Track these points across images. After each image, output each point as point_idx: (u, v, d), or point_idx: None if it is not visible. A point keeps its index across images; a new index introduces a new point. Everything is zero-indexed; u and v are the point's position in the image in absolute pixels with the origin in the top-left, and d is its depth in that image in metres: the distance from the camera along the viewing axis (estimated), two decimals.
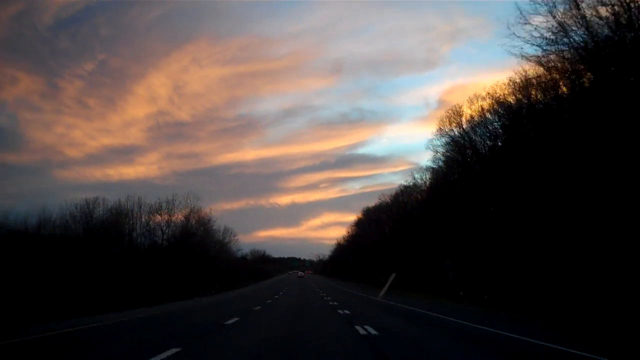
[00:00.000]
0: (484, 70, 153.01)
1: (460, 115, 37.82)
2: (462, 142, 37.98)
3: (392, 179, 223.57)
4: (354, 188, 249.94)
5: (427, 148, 45.83)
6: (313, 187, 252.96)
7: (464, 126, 37.33)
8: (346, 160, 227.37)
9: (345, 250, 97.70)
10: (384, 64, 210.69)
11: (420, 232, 43.85)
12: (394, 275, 40.44)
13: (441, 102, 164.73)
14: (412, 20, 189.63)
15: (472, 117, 36.07)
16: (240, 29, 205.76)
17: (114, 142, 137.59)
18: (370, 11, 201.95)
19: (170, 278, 43.74)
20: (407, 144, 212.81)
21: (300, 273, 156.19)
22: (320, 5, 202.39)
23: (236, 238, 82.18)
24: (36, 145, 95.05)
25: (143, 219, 53.53)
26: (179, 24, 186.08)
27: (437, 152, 42.04)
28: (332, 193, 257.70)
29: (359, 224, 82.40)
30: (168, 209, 57.98)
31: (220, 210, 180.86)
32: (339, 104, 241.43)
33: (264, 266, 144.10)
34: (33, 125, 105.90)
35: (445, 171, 41.00)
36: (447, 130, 39.26)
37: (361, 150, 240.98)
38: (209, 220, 67.83)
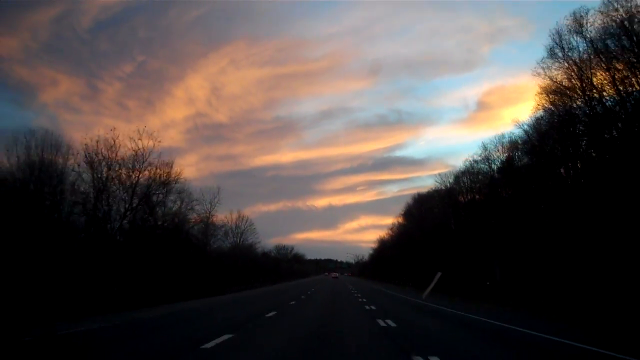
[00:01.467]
0: (525, 71, 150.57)
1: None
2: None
3: (430, 182, 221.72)
4: (392, 191, 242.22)
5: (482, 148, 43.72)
6: (350, 189, 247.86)
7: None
8: (384, 163, 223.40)
9: (388, 250, 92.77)
10: (423, 65, 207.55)
11: (469, 232, 42.75)
12: (439, 274, 39.02)
13: (480, 104, 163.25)
14: (451, 20, 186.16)
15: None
16: (277, 30, 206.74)
17: (152, 143, 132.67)
18: (408, 12, 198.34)
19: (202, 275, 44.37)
20: (445, 147, 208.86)
21: (334, 274, 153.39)
22: (357, 6, 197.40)
23: (253, 227, 78.93)
24: (76, 146, 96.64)
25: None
26: (216, 26, 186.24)
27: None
28: (370, 196, 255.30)
29: (406, 213, 76.99)
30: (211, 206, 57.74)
31: (258, 212, 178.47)
32: (376, 105, 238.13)
33: (295, 265, 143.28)
34: (73, 127, 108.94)
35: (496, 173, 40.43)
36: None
37: (399, 153, 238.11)
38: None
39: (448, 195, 51.04)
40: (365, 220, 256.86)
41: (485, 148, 42.29)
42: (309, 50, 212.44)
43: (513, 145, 38.61)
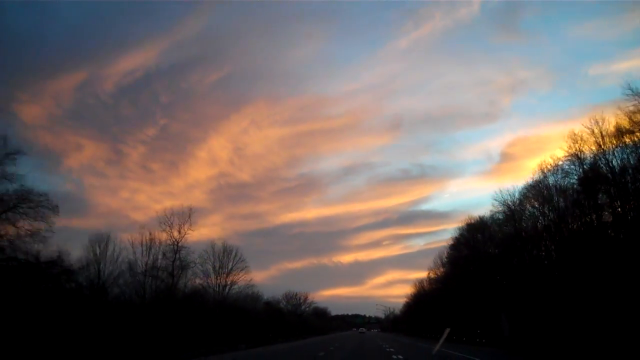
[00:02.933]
0: (546, 122, 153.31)
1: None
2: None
3: (456, 233, 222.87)
4: (418, 244, 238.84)
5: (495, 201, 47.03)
6: (376, 244, 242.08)
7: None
8: (409, 217, 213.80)
9: (417, 305, 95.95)
10: (444, 119, 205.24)
11: (475, 286, 46.98)
12: (447, 330, 43.43)
13: (503, 155, 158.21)
14: (469, 73, 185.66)
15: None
16: (297, 89, 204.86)
17: (177, 204, 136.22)
18: (427, 67, 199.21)
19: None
20: (470, 198, 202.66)
21: (361, 329, 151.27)
22: (376, 63, 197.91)
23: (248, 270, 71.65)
24: (102, 210, 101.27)
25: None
26: (236, 87, 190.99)
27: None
28: (396, 250, 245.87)
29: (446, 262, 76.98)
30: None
31: (285, 269, 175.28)
32: (399, 160, 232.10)
33: (318, 321, 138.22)
34: (98, 191, 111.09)
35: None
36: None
37: (424, 206, 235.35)
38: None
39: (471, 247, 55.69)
40: (392, 275, 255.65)
41: (503, 201, 46.32)
42: (329, 107, 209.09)
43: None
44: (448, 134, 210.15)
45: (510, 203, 44.89)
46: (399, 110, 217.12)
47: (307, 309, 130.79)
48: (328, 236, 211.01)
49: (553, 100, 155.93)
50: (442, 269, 73.37)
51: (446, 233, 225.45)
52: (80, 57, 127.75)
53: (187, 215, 48.99)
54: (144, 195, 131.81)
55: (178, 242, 47.48)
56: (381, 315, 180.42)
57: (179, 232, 47.97)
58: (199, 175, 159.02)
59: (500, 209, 46.19)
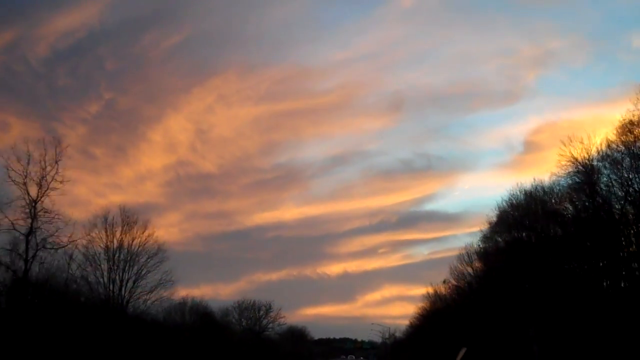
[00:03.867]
0: (580, 103, 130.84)
1: None
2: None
3: (467, 240, 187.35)
4: (421, 253, 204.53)
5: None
6: (370, 252, 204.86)
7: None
8: (410, 219, 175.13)
9: (427, 323, 74.52)
10: (454, 98, 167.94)
11: (495, 297, 38.50)
12: (464, 351, 34.82)
13: (527, 145, 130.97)
14: (487, 41, 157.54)
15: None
16: (275, 57, 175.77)
17: (125, 199, 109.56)
18: (435, 32, 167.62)
19: None
20: (485, 197, 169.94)
21: (351, 357, 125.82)
22: (373, 26, 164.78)
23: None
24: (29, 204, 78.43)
25: None
26: (200, 54, 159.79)
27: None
28: (394, 260, 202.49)
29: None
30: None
31: (257, 282, 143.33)
32: (399, 149, 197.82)
33: (292, 346, 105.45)
34: (27, 179, 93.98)
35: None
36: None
37: (428, 207, 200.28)
38: None
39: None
40: (389, 291, 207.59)
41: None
42: (314, 81, 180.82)
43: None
44: (460, 117, 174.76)
45: (585, 163, 33.00)
46: (400, 87, 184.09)
47: (273, 326, 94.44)
48: (312, 242, 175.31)
49: (589, 76, 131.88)
50: (458, 281, 58.83)
51: (455, 240, 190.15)
52: (6, 13, 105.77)
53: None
54: (83, 188, 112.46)
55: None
56: (377, 339, 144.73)
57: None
58: (153, 163, 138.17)
59: (571, 170, 33.57)
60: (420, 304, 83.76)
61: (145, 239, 45.12)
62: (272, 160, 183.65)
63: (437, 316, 65.27)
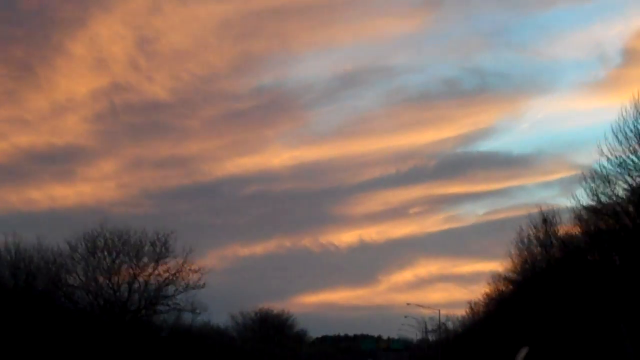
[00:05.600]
0: None
1: None
2: None
3: (543, 194, 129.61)
4: (474, 214, 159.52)
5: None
6: (398, 213, 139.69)
7: None
8: (456, 165, 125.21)
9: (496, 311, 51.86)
10: None
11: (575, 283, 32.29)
12: (525, 351, 29.34)
13: (627, 54, 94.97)
14: None
15: None
16: None
17: (36, 141, 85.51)
18: None
19: None
20: (567, 131, 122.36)
21: None
22: None
23: None
24: None
25: None
26: None
27: None
28: (432, 224, 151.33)
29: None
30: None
31: (233, 258, 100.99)
32: (439, 63, 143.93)
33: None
34: None
35: None
36: None
37: (483, 146, 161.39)
38: None
39: None
40: (426, 268, 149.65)
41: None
42: None
43: None
44: (528, 15, 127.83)
45: None
46: None
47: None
48: (311, 199, 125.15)
49: None
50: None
51: (523, 193, 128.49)
52: None
53: None
54: None
55: None
56: (411, 335, 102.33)
57: None
58: (75, 88, 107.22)
59: None
60: (485, 287, 57.65)
61: None
62: (251, 82, 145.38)
63: (509, 302, 45.76)
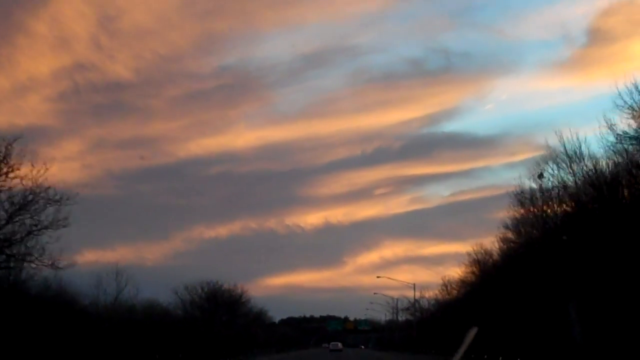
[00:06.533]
0: None
1: None
2: None
3: (508, 175, 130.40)
4: (439, 195, 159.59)
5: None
6: (363, 194, 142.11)
7: None
8: (421, 146, 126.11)
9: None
10: None
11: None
12: (474, 331, 27.53)
13: (593, 34, 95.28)
14: None
15: None
16: None
17: None
18: None
19: None
20: (532, 112, 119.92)
21: (335, 344, 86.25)
22: None
23: None
24: None
25: None
26: None
27: None
28: (397, 205, 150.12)
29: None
30: None
31: (198, 240, 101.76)
32: (405, 42, 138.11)
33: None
34: None
35: None
36: None
37: (448, 127, 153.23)
38: None
39: None
40: (392, 249, 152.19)
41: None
42: None
43: None
44: None
45: None
46: None
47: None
48: (276, 180, 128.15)
49: None
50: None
51: (489, 174, 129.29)
52: None
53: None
54: None
55: None
56: (380, 316, 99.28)
57: None
58: (37, 67, 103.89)
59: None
60: (461, 267, 54.33)
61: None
62: (215, 61, 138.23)
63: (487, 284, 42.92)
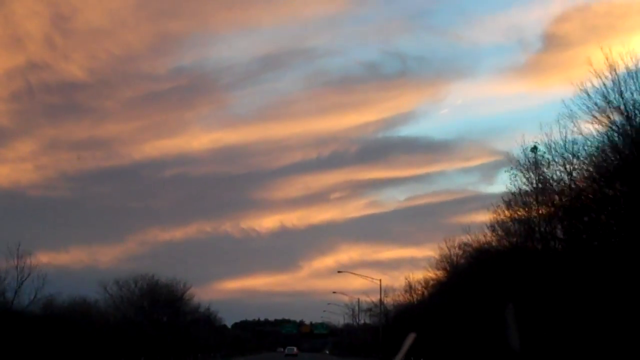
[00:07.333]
0: None
1: None
2: None
3: (463, 181, 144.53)
4: (394, 199, 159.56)
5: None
6: (318, 198, 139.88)
7: None
8: (377, 150, 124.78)
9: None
10: None
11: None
12: (412, 336, 26.18)
13: (548, 39, 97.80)
14: None
15: None
16: None
17: None
18: None
19: None
20: (487, 117, 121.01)
21: (290, 349, 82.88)
22: None
23: None
24: None
25: None
26: None
27: None
28: (354, 209, 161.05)
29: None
30: None
31: (152, 243, 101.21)
32: (361, 45, 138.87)
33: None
34: None
35: None
36: None
37: (404, 131, 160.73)
38: None
39: None
40: (348, 254, 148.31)
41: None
42: None
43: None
44: None
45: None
46: None
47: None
48: (232, 183, 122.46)
49: None
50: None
51: (444, 179, 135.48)
52: None
53: None
54: None
55: None
56: (337, 319, 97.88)
57: None
58: None
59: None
60: (424, 271, 52.51)
61: None
62: (170, 62, 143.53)
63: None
